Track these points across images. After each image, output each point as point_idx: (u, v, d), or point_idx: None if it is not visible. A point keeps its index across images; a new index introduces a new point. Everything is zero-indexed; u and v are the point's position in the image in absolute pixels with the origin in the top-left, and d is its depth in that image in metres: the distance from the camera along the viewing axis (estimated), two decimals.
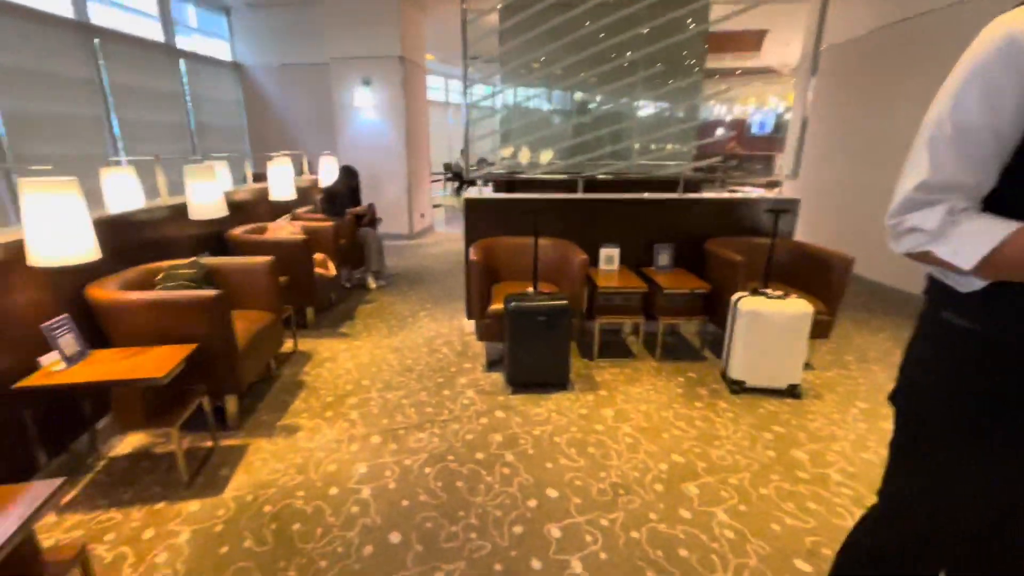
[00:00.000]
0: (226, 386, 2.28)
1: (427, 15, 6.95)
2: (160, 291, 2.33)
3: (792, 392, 2.71)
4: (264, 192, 4.13)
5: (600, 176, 3.56)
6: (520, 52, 3.64)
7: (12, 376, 1.78)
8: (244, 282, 2.71)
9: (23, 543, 1.17)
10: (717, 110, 13.00)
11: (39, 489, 1.22)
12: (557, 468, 2.13)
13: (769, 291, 2.66)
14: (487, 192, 3.78)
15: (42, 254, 1.80)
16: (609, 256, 3.32)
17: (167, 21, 5.78)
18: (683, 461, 2.18)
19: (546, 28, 3.26)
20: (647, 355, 3.26)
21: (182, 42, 6.01)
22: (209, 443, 2.27)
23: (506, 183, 4.06)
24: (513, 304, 2.59)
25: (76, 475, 2.05)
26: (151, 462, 2.15)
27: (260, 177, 4.56)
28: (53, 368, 1.84)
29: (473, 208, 3.41)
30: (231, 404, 2.39)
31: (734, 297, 2.69)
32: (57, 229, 1.80)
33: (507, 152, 5.54)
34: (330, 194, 4.59)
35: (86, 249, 1.89)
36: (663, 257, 3.32)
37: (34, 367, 1.85)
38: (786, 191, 3.73)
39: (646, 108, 6.03)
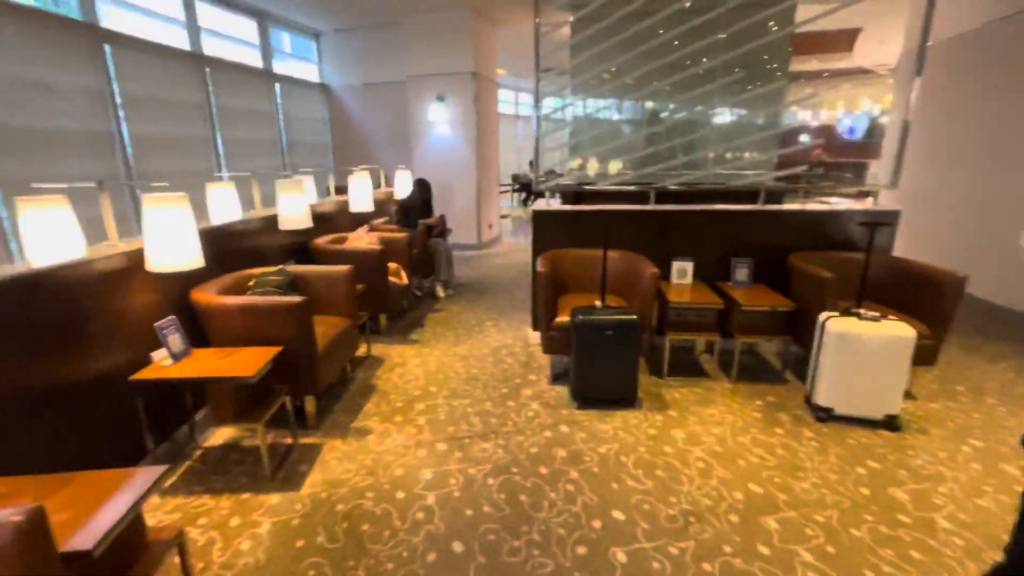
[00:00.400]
0: (306, 387, 2.43)
1: (499, 31, 7.12)
2: (251, 296, 2.52)
3: (890, 424, 2.45)
4: (345, 204, 4.38)
5: (672, 187, 3.44)
6: (592, 63, 3.63)
7: (129, 369, 2.00)
8: (325, 289, 2.88)
9: (132, 522, 1.30)
10: (801, 115, 12.22)
11: (147, 474, 1.35)
12: (623, 489, 2.06)
13: (863, 311, 2.43)
14: (555, 204, 3.78)
15: (157, 261, 2.02)
16: (682, 269, 3.19)
17: (266, 49, 6.34)
18: (761, 491, 2.03)
19: (619, 39, 3.22)
20: (721, 375, 3.09)
21: (278, 67, 6.56)
22: (289, 440, 2.42)
23: (574, 194, 4.04)
24: (580, 317, 2.55)
25: (176, 461, 2.26)
26: (239, 454, 2.33)
27: (342, 190, 4.86)
28: (162, 363, 2.04)
29: (541, 220, 3.42)
30: (310, 404, 2.53)
31: (822, 317, 2.49)
32: (170, 238, 2.01)
33: (575, 163, 5.52)
34: (404, 206, 4.79)
35: (193, 257, 2.09)
36: (741, 272, 3.14)
37: (147, 361, 2.06)
38: (883, 201, 3.42)
39: (723, 116, 5.78)
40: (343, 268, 2.91)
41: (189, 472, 2.19)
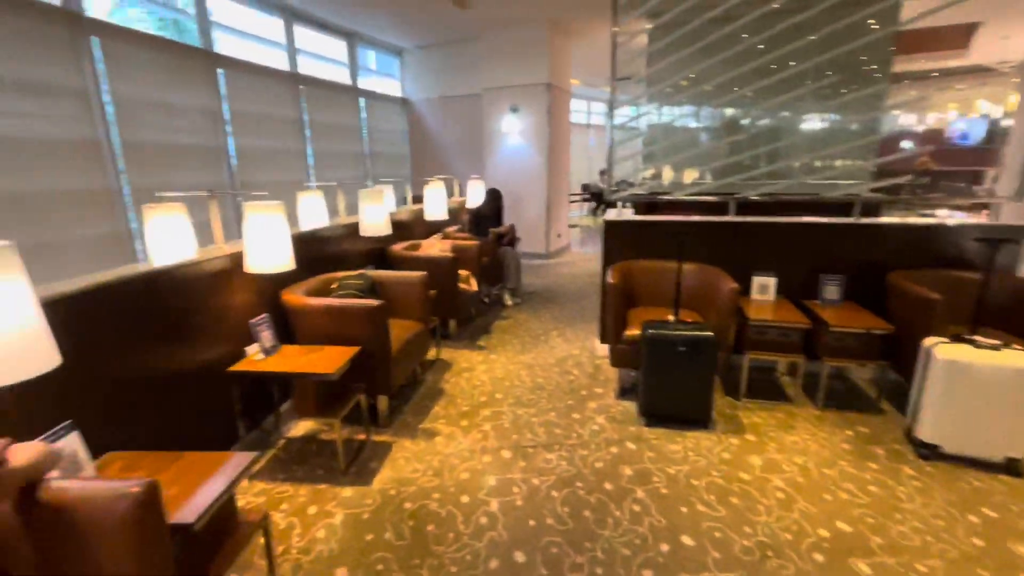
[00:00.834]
0: (380, 386, 2.54)
1: (573, 41, 7.14)
2: (334, 298, 2.68)
3: (1011, 468, 2.15)
4: (420, 213, 4.56)
5: (754, 197, 3.26)
6: (669, 71, 3.54)
7: (227, 360, 2.19)
8: (400, 293, 3.01)
9: (226, 502, 1.42)
10: (904, 120, 11.16)
11: (241, 459, 1.47)
12: (693, 514, 1.96)
13: (979, 338, 2.17)
14: (627, 214, 3.70)
15: (255, 263, 2.21)
16: (764, 285, 3.01)
17: (354, 67, 6.78)
18: (851, 531, 1.86)
19: (700, 46, 3.12)
20: (806, 400, 2.86)
21: (363, 83, 6.99)
22: (362, 436, 2.54)
23: (647, 204, 3.94)
24: (651, 331, 2.47)
25: (263, 448, 2.44)
26: (317, 447, 2.47)
27: (418, 199, 5.06)
28: (255, 357, 2.22)
29: (612, 230, 3.36)
30: (382, 403, 2.64)
31: (928, 342, 2.25)
32: (267, 243, 2.19)
33: (649, 173, 5.39)
34: (476, 215, 4.90)
35: (285, 260, 2.26)
36: (831, 290, 2.91)
37: (242, 354, 2.26)
38: (1006, 215, 3.03)
39: (812, 122, 5.42)
40: (418, 274, 3.02)
41: (273, 460, 2.36)
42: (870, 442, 2.43)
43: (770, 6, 2.94)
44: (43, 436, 1.19)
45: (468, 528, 1.91)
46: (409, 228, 4.44)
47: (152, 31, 4.09)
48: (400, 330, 2.77)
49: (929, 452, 2.26)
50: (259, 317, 2.28)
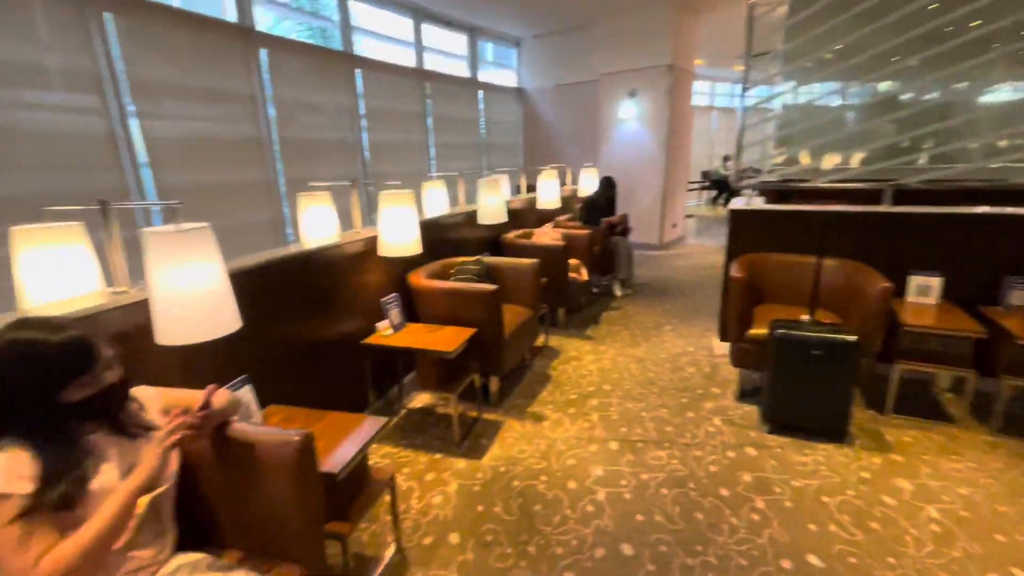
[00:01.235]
0: (493, 367, 2.65)
1: (700, 20, 6.68)
2: (453, 282, 2.84)
3: None
4: (533, 201, 4.63)
5: (917, 185, 2.81)
6: (813, 43, 3.17)
7: (361, 334, 2.43)
8: (513, 280, 3.09)
9: (361, 459, 1.59)
10: None
11: (375, 422, 1.63)
12: (823, 534, 1.79)
13: None
14: (757, 203, 3.41)
15: (387, 247, 2.41)
16: (924, 286, 2.61)
17: (474, 59, 7.02)
18: None
19: (854, 12, 2.74)
20: (974, 422, 2.44)
21: (481, 76, 7.22)
22: (474, 414, 2.67)
23: (778, 193, 3.58)
24: (781, 331, 2.27)
25: (388, 415, 2.67)
26: (434, 419, 2.65)
27: (531, 188, 5.14)
28: (384, 333, 2.44)
29: (739, 219, 3.12)
30: (494, 384, 2.75)
31: None
32: (399, 229, 2.38)
33: (780, 158, 4.90)
34: (589, 203, 4.85)
35: (414, 245, 2.44)
36: (1019, 295, 2.43)
37: (373, 330, 2.49)
38: None
39: (1001, 93, 4.51)
40: (530, 261, 3.08)
41: (395, 427, 2.58)
42: None
43: None
44: (227, 385, 1.43)
45: (575, 513, 1.93)
46: (522, 216, 4.53)
47: (303, 39, 4.61)
48: (512, 315, 2.85)
49: None
50: (389, 296, 2.49)
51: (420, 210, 3.38)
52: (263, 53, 3.98)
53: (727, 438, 2.39)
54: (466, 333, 2.38)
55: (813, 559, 1.68)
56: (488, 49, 7.66)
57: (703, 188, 11.70)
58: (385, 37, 5.68)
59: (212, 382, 1.19)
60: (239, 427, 1.22)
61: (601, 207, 4.83)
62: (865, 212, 2.83)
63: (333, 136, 4.85)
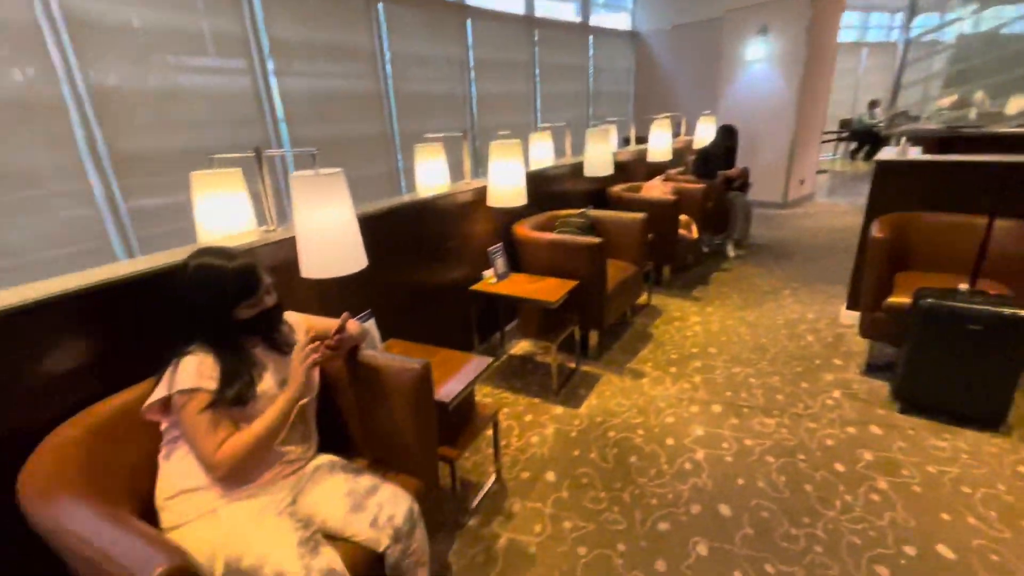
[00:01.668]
0: (593, 321, 2.65)
1: None
2: (557, 234, 2.84)
3: None
4: (642, 153, 4.41)
5: None
6: None
7: (468, 281, 2.56)
8: (618, 234, 3.02)
9: (468, 394, 1.71)
10: None
11: (481, 361, 1.74)
12: (960, 525, 1.61)
13: None
14: (912, 153, 2.92)
15: (495, 197, 2.47)
16: None
17: (585, 3, 6.66)
18: None
19: None
20: None
21: (593, 20, 6.84)
22: (573, 365, 2.72)
23: (939, 142, 3.03)
24: (930, 300, 1.99)
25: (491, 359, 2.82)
26: (533, 366, 2.75)
27: (640, 140, 4.88)
28: (490, 281, 2.54)
29: (887, 173, 2.72)
30: (593, 337, 2.77)
31: None
32: (507, 179, 2.42)
33: (948, 101, 4.10)
34: (704, 155, 4.50)
35: (519, 196, 2.47)
36: None
37: (479, 277, 2.60)
38: None
39: None
40: (637, 216, 2.98)
41: (497, 370, 2.72)
42: None
43: None
44: (356, 317, 1.60)
45: (671, 469, 1.92)
46: (630, 169, 4.35)
47: None
48: (615, 270, 2.81)
49: None
50: (495, 246, 2.57)
51: (526, 162, 3.38)
52: (380, 7, 4.12)
53: (847, 413, 2.20)
54: (568, 285, 2.40)
55: (943, 549, 1.53)
56: None
57: (841, 139, 10.25)
58: None
59: (343, 313, 1.34)
60: (367, 354, 1.37)
61: (718, 159, 4.45)
62: None
63: (443, 89, 4.96)
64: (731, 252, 4.44)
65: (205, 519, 1.05)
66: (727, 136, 4.51)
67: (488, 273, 2.58)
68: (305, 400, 1.24)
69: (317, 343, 1.22)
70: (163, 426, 1.12)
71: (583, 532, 1.66)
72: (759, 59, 5.86)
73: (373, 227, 2.02)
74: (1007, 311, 1.85)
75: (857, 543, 1.57)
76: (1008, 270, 2.23)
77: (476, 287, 2.49)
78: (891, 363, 2.44)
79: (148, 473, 1.11)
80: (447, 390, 1.55)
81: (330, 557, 1.02)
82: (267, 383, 1.17)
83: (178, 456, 1.09)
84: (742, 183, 4.54)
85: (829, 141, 9.76)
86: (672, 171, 4.62)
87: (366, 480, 1.21)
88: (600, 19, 7.12)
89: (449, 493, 1.77)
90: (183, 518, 1.05)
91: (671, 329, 3.10)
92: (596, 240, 2.50)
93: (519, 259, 2.80)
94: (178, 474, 1.08)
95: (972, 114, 3.96)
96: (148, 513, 1.08)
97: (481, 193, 2.60)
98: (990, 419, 2.03)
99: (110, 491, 1.02)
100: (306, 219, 1.40)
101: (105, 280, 1.24)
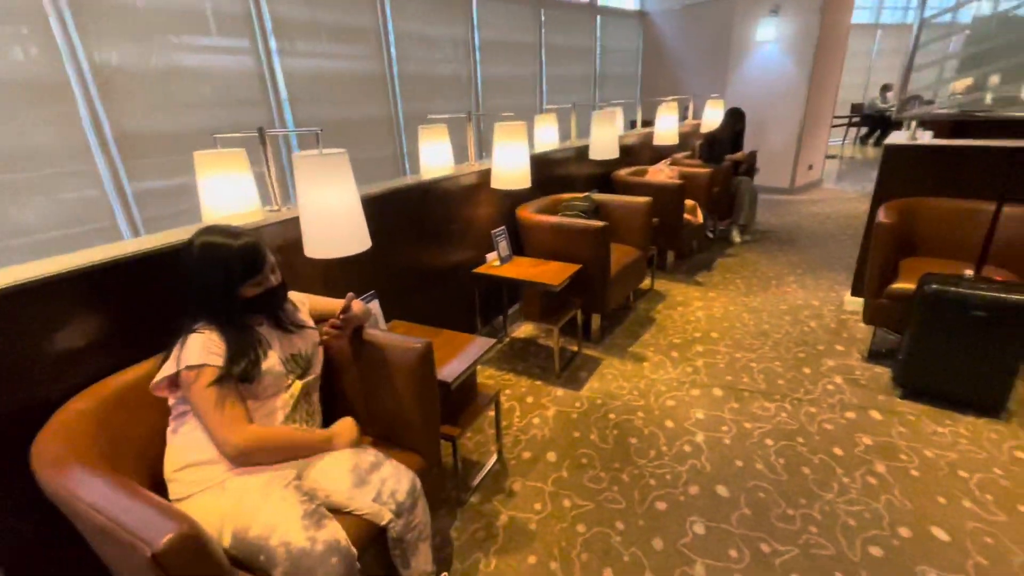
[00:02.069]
0: (596, 305, 2.66)
1: None
2: (561, 217, 2.83)
3: None
4: (649, 137, 4.36)
5: None
6: None
7: (472, 263, 2.56)
8: (622, 218, 3.01)
9: (470, 374, 1.73)
10: None
11: (482, 342, 1.75)
12: (955, 509, 1.63)
13: None
14: (923, 137, 2.88)
15: (500, 179, 2.46)
16: None
17: None
18: None
19: None
20: None
21: None
22: (575, 348, 2.73)
23: (952, 126, 2.98)
24: (935, 286, 1.98)
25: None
26: (535, 348, 2.77)
27: (647, 123, 4.82)
28: (493, 263, 2.54)
29: (896, 157, 2.69)
30: (595, 321, 2.78)
31: None
32: (510, 162, 2.40)
33: (962, 84, 4.02)
34: (711, 139, 4.45)
35: (523, 178, 2.46)
36: None
37: (483, 260, 2.60)
38: None
39: None
40: (642, 200, 2.96)
41: (500, 353, 2.74)
42: None
43: None
44: (360, 298, 1.61)
45: (670, 450, 1.95)
46: (636, 153, 4.31)
47: None
48: (619, 254, 2.80)
49: None
50: (498, 229, 2.57)
51: (531, 144, 3.36)
52: None
53: (848, 398, 2.21)
54: (571, 269, 2.40)
55: (938, 531, 1.55)
56: None
57: (852, 124, 10.09)
58: None
59: (348, 293, 1.35)
60: (371, 332, 1.38)
61: (725, 143, 4.40)
62: None
63: (448, 70, 4.90)
64: (736, 238, 4.42)
65: (213, 491, 1.07)
66: (735, 120, 4.45)
67: (491, 256, 2.58)
68: (309, 378, 1.26)
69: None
70: (171, 401, 1.15)
71: (582, 510, 1.69)
72: (769, 40, 5.75)
73: (377, 208, 2.03)
74: (1012, 297, 1.84)
75: (852, 524, 1.59)
76: (1015, 256, 2.21)
77: (479, 270, 2.50)
78: (893, 350, 2.44)
79: (157, 446, 1.14)
80: (450, 370, 1.57)
81: (334, 529, 1.05)
82: (272, 360, 1.19)
83: (186, 430, 1.12)
84: (748, 167, 4.49)
85: (839, 126, 9.60)
86: (678, 155, 4.58)
87: (370, 456, 1.23)
88: None
89: (451, 471, 1.81)
90: (191, 489, 1.08)
91: (674, 314, 3.11)
92: (600, 224, 2.49)
93: (523, 242, 2.80)
94: (186, 447, 1.11)
95: (987, 98, 3.89)
96: (157, 486, 1.11)
97: (485, 175, 2.59)
98: (991, 405, 2.03)
99: (120, 462, 1.05)
100: (310, 199, 1.41)
101: (114, 257, 1.25)
